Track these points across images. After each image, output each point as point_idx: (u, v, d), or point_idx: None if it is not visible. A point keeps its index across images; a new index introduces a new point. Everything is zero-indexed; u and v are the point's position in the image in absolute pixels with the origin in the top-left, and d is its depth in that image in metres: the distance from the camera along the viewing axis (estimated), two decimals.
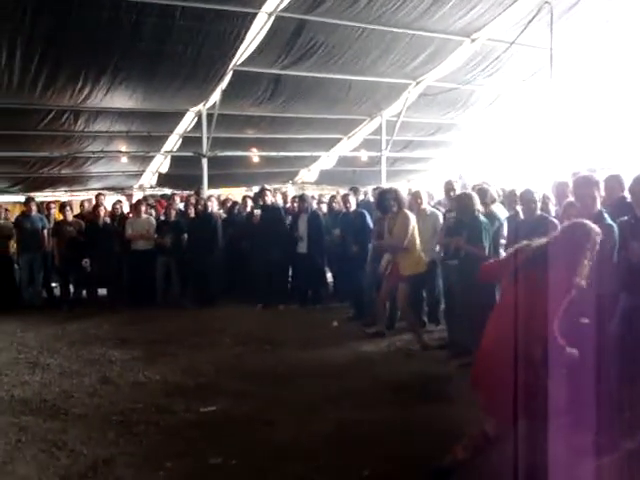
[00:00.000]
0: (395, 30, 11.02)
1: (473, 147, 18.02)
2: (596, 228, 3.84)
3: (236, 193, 17.35)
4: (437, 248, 8.15)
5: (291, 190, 17.89)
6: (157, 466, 4.54)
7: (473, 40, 12.00)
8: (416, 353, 7.55)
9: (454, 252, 7.22)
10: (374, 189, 11.10)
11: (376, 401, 5.83)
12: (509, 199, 8.00)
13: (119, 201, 12.81)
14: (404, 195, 8.20)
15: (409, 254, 7.75)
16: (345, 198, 10.22)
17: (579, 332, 4.21)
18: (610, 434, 4.10)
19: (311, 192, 15.56)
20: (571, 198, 6.12)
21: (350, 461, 4.52)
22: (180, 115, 13.16)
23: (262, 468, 4.47)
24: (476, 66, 13.03)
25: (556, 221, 6.39)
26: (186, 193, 14.99)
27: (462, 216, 7.13)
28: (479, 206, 7.05)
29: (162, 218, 11.57)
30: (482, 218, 6.97)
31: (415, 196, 8.69)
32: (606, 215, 5.28)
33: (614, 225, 5.17)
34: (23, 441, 5.11)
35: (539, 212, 6.80)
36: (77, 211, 12.26)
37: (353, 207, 9.94)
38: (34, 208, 11.35)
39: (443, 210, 8.72)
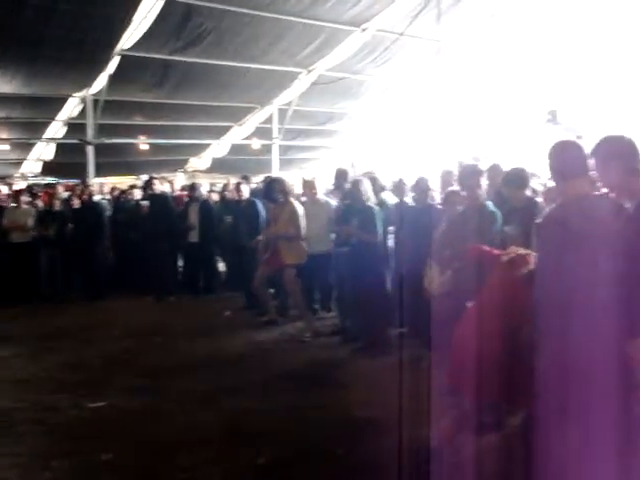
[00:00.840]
0: (286, 18, 11.00)
1: (364, 136, 18.31)
2: None
3: (125, 182, 16.88)
4: (332, 236, 8.21)
5: (182, 179, 17.59)
6: (43, 465, 4.37)
7: (363, 30, 12.16)
8: (309, 340, 7.62)
9: (345, 240, 7.33)
10: (264, 178, 11.07)
11: (271, 389, 5.85)
12: (398, 187, 8.18)
13: None
14: (290, 186, 8.24)
15: (294, 243, 7.84)
16: (237, 187, 10.15)
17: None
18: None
19: (202, 180, 15.37)
20: (454, 186, 6.37)
21: (245, 451, 4.51)
22: (63, 100, 12.65)
23: (153, 462, 4.39)
24: (366, 56, 13.21)
25: (441, 208, 6.61)
26: (72, 182, 14.46)
27: (354, 203, 7.25)
28: (371, 193, 7.22)
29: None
30: (374, 205, 7.14)
31: (310, 186, 8.71)
32: (489, 203, 5.56)
33: (497, 212, 5.43)
34: None
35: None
36: None
37: (246, 195, 9.90)
38: None
39: (334, 198, 8.78)
